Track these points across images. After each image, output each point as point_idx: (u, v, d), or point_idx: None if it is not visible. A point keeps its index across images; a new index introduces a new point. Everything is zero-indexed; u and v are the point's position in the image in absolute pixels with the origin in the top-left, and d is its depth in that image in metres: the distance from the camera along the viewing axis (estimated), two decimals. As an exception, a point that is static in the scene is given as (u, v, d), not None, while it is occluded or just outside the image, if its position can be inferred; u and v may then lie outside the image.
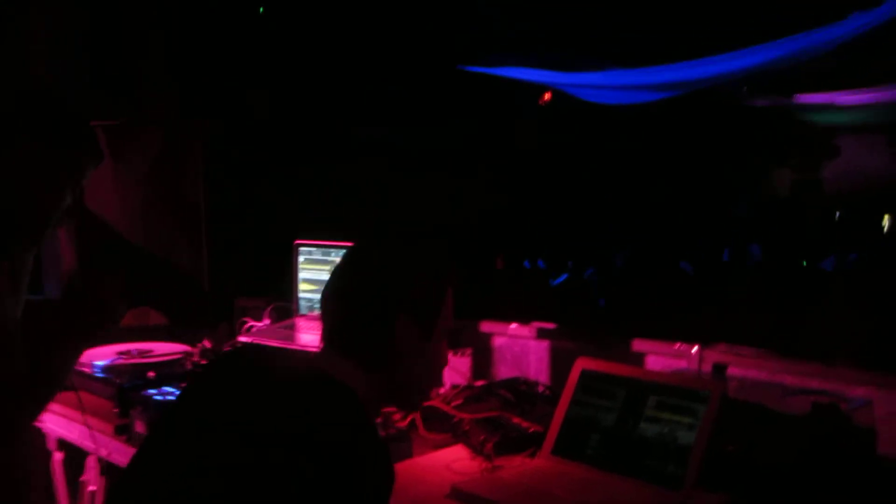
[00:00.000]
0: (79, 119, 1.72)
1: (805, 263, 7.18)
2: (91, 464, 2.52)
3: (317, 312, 3.01)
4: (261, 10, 5.40)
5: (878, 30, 5.01)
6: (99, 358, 2.64)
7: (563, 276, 7.56)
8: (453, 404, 2.34)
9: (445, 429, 2.21)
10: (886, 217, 10.10)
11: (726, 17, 6.19)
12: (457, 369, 2.66)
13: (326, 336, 1.45)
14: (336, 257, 2.96)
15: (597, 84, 7.23)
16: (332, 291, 1.46)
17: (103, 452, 2.24)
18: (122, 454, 2.18)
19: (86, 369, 2.57)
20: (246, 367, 1.45)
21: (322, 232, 3.16)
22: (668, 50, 6.41)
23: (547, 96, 9.02)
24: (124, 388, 2.30)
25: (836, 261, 7.51)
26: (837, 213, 10.15)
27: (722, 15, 6.20)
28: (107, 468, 2.41)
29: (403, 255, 1.47)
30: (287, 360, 1.45)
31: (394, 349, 1.40)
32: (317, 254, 3.04)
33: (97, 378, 2.52)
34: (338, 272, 1.47)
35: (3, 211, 1.64)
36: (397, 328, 1.39)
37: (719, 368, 2.42)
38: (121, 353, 2.71)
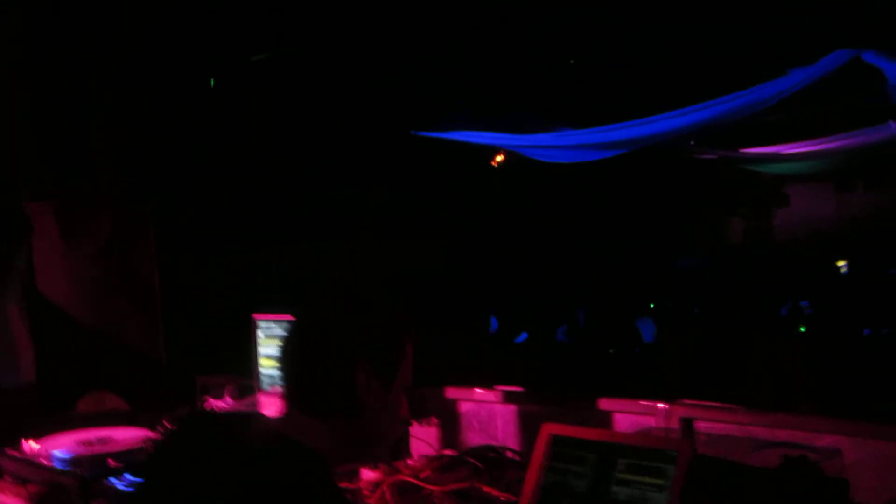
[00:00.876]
0: (12, 201, 1.75)
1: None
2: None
3: (280, 388, 2.96)
4: (211, 82, 5.42)
5: (816, 84, 5.18)
6: (59, 447, 2.56)
7: (523, 336, 7.58)
8: (423, 476, 2.31)
9: (416, 502, 2.17)
10: (841, 263, 10.33)
11: (670, 78, 6.38)
12: (424, 439, 2.63)
13: (287, 395, 1.44)
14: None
15: (547, 144, 7.34)
16: (290, 347, 1.45)
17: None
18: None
19: (44, 461, 2.49)
20: (204, 438, 1.41)
21: (281, 305, 3.13)
22: (615, 110, 6.56)
23: (499, 158, 9.13)
24: (86, 479, 2.24)
25: (791, 309, 7.62)
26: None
27: (665, 77, 6.39)
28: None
29: (360, 306, 1.46)
30: (244, 427, 1.42)
31: (355, 399, 1.38)
32: (276, 328, 3.01)
33: (58, 470, 2.45)
34: (295, 328, 1.46)
35: None
36: (357, 378, 1.37)
37: (687, 423, 2.42)
38: (80, 441, 2.63)
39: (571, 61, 6.82)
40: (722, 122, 6.11)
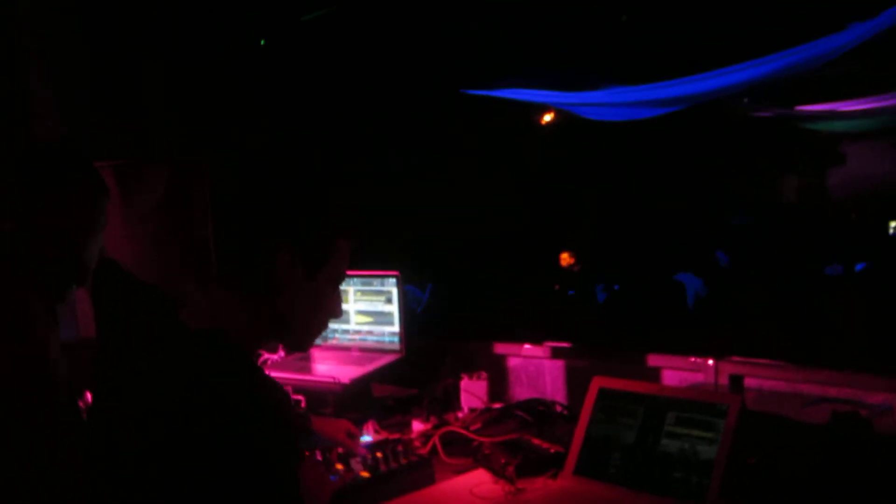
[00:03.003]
0: (88, 162, 1.84)
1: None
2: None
3: (332, 342, 3.03)
4: (262, 42, 5.44)
5: (877, 38, 5.03)
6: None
7: (570, 292, 7.62)
8: (472, 428, 2.35)
9: (466, 453, 2.21)
10: (893, 223, 10.07)
11: (725, 33, 6.24)
12: (473, 392, 2.66)
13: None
14: (349, 286, 2.97)
15: (598, 102, 7.27)
16: (218, 219, 1.45)
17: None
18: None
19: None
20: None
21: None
22: (667, 67, 6.45)
23: (549, 116, 9.06)
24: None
25: (844, 267, 7.50)
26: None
27: (720, 31, 6.25)
28: None
29: (291, 187, 1.45)
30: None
31: (275, 279, 1.38)
32: (329, 284, 3.05)
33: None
34: (224, 201, 1.46)
35: (57, 261, 1.82)
36: (279, 258, 1.38)
37: (736, 380, 2.42)
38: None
39: (623, 17, 6.71)
40: (778, 79, 5.98)
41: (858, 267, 7.47)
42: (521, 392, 2.97)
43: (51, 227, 1.83)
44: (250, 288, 1.39)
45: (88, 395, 2.77)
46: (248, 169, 1.50)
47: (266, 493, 1.22)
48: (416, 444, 2.28)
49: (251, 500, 1.21)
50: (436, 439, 2.27)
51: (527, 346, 3.02)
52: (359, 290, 2.97)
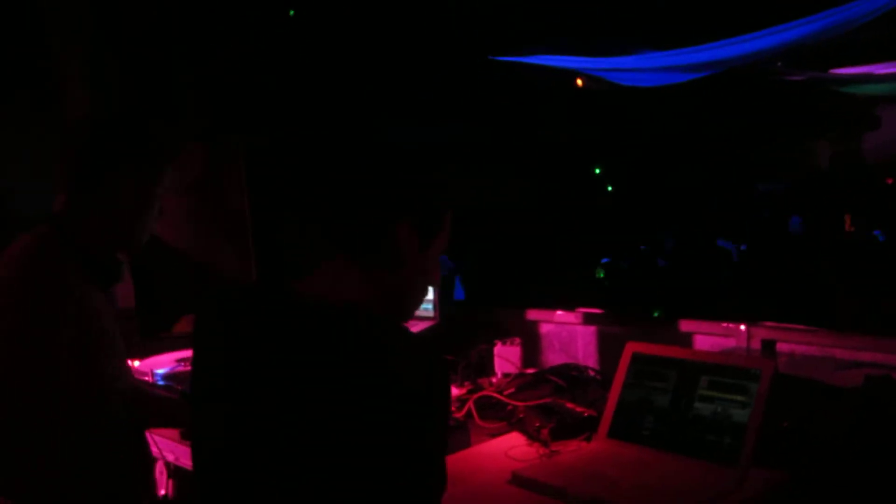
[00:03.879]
0: (147, 138, 1.84)
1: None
2: (160, 468, 2.60)
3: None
4: (291, 12, 5.45)
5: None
6: (159, 366, 2.73)
7: (605, 260, 7.67)
8: (506, 393, 2.38)
9: (500, 417, 2.25)
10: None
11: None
12: (507, 358, 2.70)
13: (331, 242, 1.41)
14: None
15: (629, 67, 7.22)
16: (342, 192, 1.42)
17: (171, 458, 2.32)
18: (189, 458, 2.26)
19: (147, 378, 2.66)
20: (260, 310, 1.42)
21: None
22: (700, 31, 6.38)
23: (580, 81, 8.99)
24: (186, 393, 2.38)
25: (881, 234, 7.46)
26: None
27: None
28: (175, 472, 2.50)
29: (409, 167, 1.47)
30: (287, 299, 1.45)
31: (397, 252, 1.40)
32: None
33: (159, 386, 2.61)
34: (348, 176, 1.45)
35: (108, 242, 1.86)
36: (400, 232, 1.39)
37: (768, 345, 2.43)
38: (179, 360, 2.79)
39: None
40: (813, 42, 5.88)
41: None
42: (553, 358, 3.00)
43: (104, 210, 1.84)
44: (373, 261, 1.40)
45: (128, 363, 2.85)
46: (365, 144, 1.50)
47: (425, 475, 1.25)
48: (452, 408, 2.32)
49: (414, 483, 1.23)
50: (471, 404, 2.31)
51: (559, 312, 3.04)
52: (392, 259, 3.00)
